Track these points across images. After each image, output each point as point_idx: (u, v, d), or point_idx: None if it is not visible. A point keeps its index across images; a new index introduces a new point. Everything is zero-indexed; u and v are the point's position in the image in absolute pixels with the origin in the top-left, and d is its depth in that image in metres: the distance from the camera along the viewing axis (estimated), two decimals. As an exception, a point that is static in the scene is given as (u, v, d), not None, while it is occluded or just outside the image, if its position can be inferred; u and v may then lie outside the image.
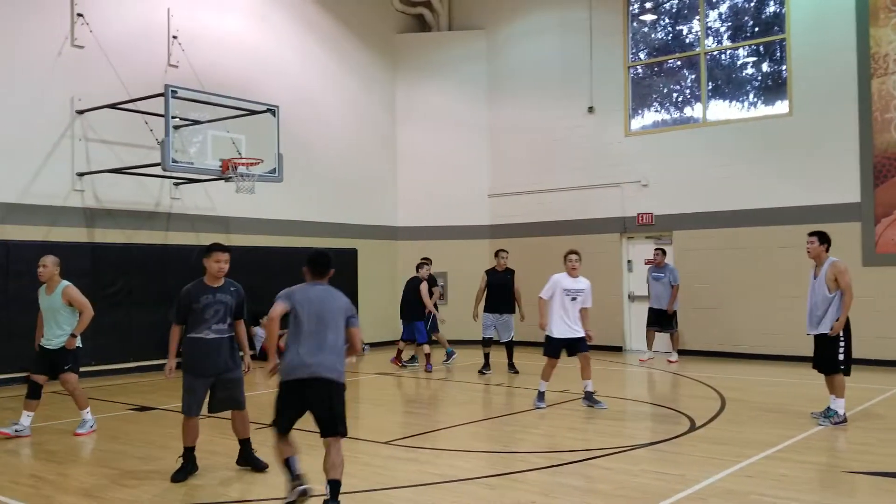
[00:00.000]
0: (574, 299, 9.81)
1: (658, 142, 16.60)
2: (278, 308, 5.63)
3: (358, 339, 5.88)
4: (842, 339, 8.46)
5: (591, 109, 17.37)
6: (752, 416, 9.14)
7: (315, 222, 17.16)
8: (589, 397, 9.75)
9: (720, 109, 16.15)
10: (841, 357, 8.46)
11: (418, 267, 14.26)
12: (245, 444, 6.91)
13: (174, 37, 14.65)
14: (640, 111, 17.26)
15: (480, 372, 13.03)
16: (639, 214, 16.60)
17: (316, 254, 6.05)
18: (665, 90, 17.24)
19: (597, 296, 16.71)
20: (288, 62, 16.94)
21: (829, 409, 8.56)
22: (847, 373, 8.50)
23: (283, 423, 5.59)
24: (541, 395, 9.80)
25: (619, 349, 16.64)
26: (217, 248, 6.89)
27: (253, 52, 16.14)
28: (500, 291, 13.32)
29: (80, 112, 13.30)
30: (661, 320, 14.72)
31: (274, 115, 13.49)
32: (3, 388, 11.56)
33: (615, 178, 16.92)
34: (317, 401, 5.52)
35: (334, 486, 5.43)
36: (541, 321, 9.89)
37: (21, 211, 12.61)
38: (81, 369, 12.87)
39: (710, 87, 16.22)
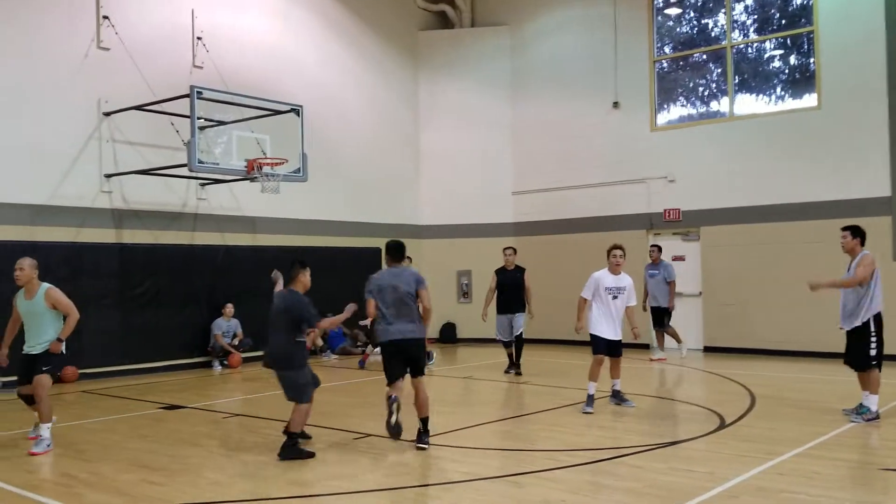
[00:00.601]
0: (615, 297, 9.36)
1: (684, 137, 16.46)
2: (371, 303, 7.58)
3: (426, 298, 7.64)
4: (873, 334, 8.32)
5: (615, 105, 17.27)
6: (783, 412, 9.03)
7: (339, 221, 17.20)
8: (617, 395, 9.62)
9: (747, 103, 15.98)
10: (872, 353, 8.33)
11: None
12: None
13: (198, 38, 14.75)
14: (665, 106, 17.12)
15: (506, 371, 12.96)
16: (665, 210, 16.47)
17: (393, 243, 7.77)
18: (691, 84, 17.09)
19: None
20: (311, 62, 16.99)
21: (861, 405, 8.44)
22: (878, 368, 8.37)
23: (390, 374, 7.61)
24: (589, 400, 9.24)
25: (646, 347, 16.51)
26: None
27: (276, 51, 16.22)
28: (511, 290, 12.86)
29: (107, 114, 13.43)
30: (659, 318, 14.57)
31: (298, 115, 13.54)
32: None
33: (641, 174, 16.81)
34: (406, 354, 7.53)
35: (425, 422, 7.50)
36: (577, 323, 9.51)
37: (50, 212, 12.75)
38: (111, 368, 13.20)
39: (736, 81, 16.05)
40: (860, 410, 8.38)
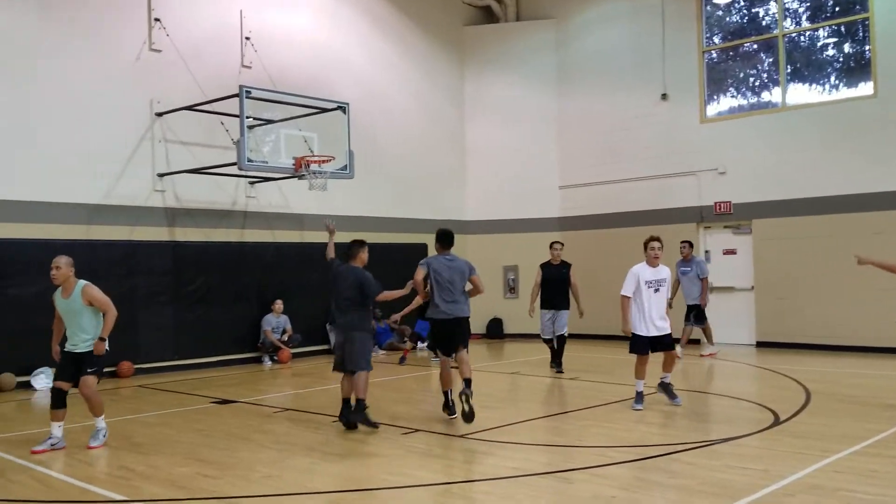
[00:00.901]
0: (657, 290, 9.08)
1: (735, 128, 16.18)
2: (420, 272, 8.49)
3: (479, 283, 8.75)
4: None
5: (664, 97, 17.05)
6: (839, 409, 8.84)
7: (385, 218, 17.29)
8: (665, 388, 9.32)
9: (800, 93, 15.65)
10: None
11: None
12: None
13: (247, 38, 14.95)
14: (715, 97, 16.85)
15: (551, 366, 12.83)
16: (716, 203, 16.22)
17: (444, 230, 8.86)
18: (741, 75, 16.79)
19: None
20: (356, 59, 17.09)
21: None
22: None
23: (443, 347, 8.58)
24: (639, 396, 9.13)
25: (696, 342, 16.28)
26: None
27: (322, 50, 16.35)
28: (556, 286, 12.46)
29: (159, 114, 13.68)
30: (696, 315, 14.01)
31: (344, 112, 13.63)
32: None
33: (690, 167, 16.58)
34: (456, 331, 8.51)
35: (468, 382, 8.22)
36: (624, 325, 9.14)
37: (106, 212, 13.05)
38: (165, 363, 13.46)
39: (788, 71, 15.73)
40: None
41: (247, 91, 12.28)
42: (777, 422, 8.18)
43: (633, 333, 9.15)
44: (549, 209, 18.79)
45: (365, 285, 8.40)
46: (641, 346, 9.10)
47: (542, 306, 12.55)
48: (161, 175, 13.73)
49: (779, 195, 15.37)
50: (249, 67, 14.93)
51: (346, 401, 8.40)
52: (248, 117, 12.46)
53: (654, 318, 9.02)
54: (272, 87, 13.90)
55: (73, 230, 12.61)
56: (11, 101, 12.12)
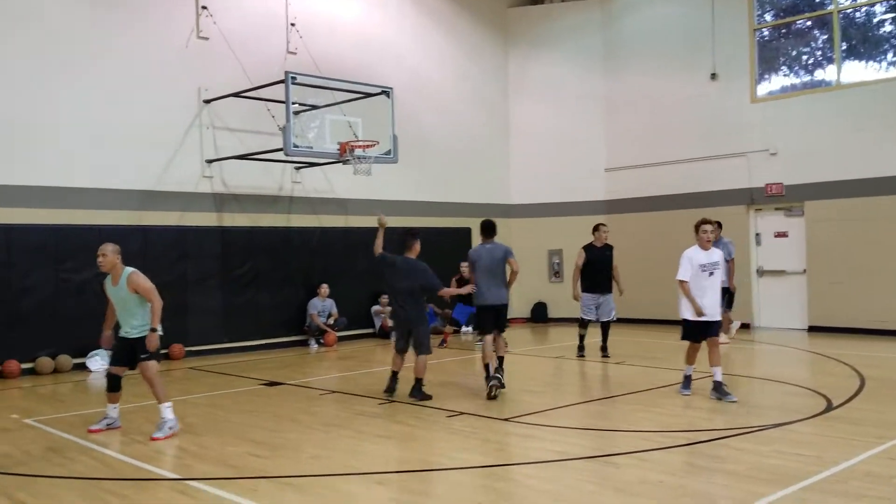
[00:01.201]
0: (711, 274, 8.80)
1: (787, 108, 15.82)
2: (466, 268, 9.89)
3: (514, 263, 9.40)
4: None
5: (713, 76, 16.73)
6: (894, 395, 8.63)
7: (429, 202, 17.30)
8: (718, 388, 8.62)
9: (855, 71, 15.23)
10: None
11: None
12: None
13: (292, 24, 15.02)
14: (766, 76, 16.48)
15: (580, 355, 12.37)
16: (767, 185, 15.90)
17: (487, 222, 9.57)
18: (794, 53, 16.39)
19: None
20: (401, 43, 17.08)
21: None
22: None
23: (486, 329, 9.35)
24: (686, 381, 8.99)
25: (746, 326, 16.05)
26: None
27: (366, 34, 16.36)
28: (601, 268, 12.11)
29: (207, 101, 13.85)
30: (727, 300, 13.42)
31: (388, 97, 13.63)
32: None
33: (741, 148, 16.27)
34: (496, 314, 9.39)
35: (500, 360, 9.37)
36: (695, 306, 8.71)
37: (157, 197, 13.28)
38: (215, 346, 13.69)
39: (843, 48, 15.30)
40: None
41: (292, 77, 12.35)
42: (830, 408, 8.02)
43: (685, 319, 8.90)
44: (595, 192, 18.61)
45: (427, 280, 9.05)
46: (693, 333, 8.87)
47: (585, 289, 12.20)
48: (209, 161, 13.92)
49: (833, 176, 15.00)
50: (295, 53, 15.01)
51: (394, 374, 9.33)
52: (293, 103, 12.53)
53: (706, 304, 8.74)
54: (317, 73, 13.96)
55: (125, 216, 12.87)
56: (65, 91, 12.37)
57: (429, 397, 8.93)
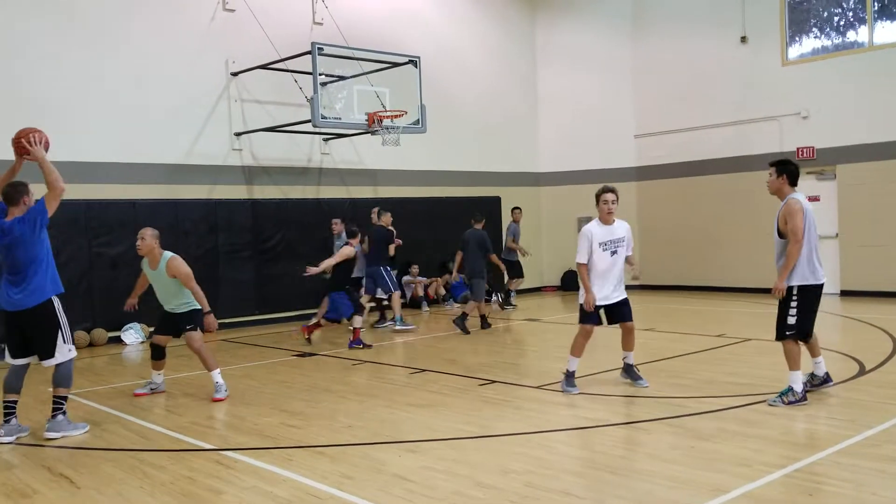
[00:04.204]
0: (614, 253, 7.61)
1: (819, 70, 15.55)
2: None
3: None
4: None
5: (743, 39, 16.46)
6: (930, 359, 8.57)
7: (458, 171, 17.29)
8: (629, 371, 7.93)
9: (889, 32, 14.90)
10: None
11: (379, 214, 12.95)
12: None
13: (318, -6, 14.98)
14: (797, 38, 16.18)
15: None
16: (798, 149, 15.69)
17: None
18: (825, 14, 16.05)
19: (754, 236, 16.12)
20: (427, 12, 16.98)
21: None
22: None
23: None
24: (570, 377, 7.74)
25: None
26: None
27: (391, 3, 16.29)
28: None
29: (235, 74, 13.90)
30: None
31: (416, 66, 13.59)
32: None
33: (772, 112, 16.05)
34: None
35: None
36: (587, 296, 7.56)
37: (187, 171, 13.40)
38: (247, 318, 13.86)
39: (876, 8, 14.97)
40: None
41: (319, 48, 12.34)
42: (862, 371, 7.99)
43: (581, 304, 7.71)
44: (625, 159, 18.47)
45: (485, 243, 12.30)
46: (589, 315, 7.66)
47: None
48: (238, 134, 13.99)
49: (866, 139, 14.77)
50: (321, 24, 14.98)
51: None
52: (320, 74, 12.54)
53: (606, 285, 7.65)
54: (344, 44, 13.92)
55: (156, 190, 13.01)
56: (92, 66, 12.47)
57: (467, 332, 11.68)
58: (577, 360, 7.76)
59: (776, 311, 6.90)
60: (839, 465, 5.12)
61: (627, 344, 7.90)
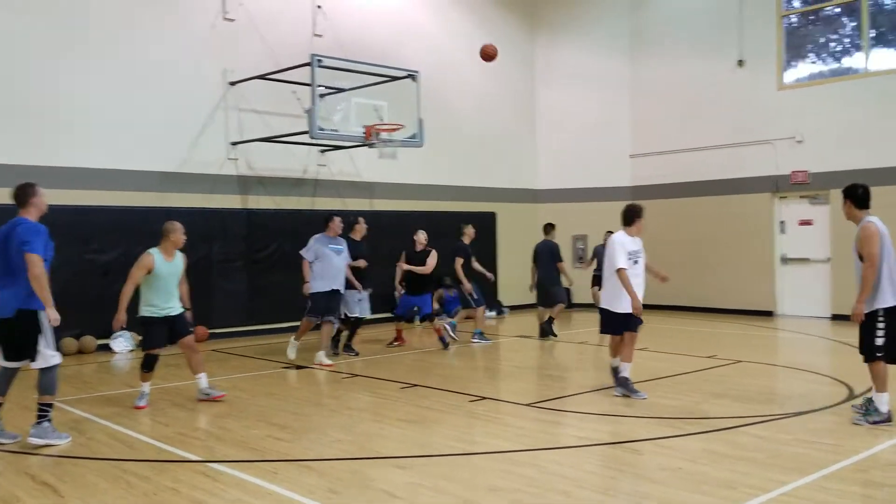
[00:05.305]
0: (636, 262, 8.18)
1: (814, 95, 15.65)
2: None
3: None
4: None
5: (740, 63, 16.56)
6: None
7: (455, 186, 17.32)
8: (624, 382, 8.21)
9: (884, 58, 15.02)
10: None
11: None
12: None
13: (318, 6, 15.04)
14: (794, 63, 16.29)
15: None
16: (793, 172, 15.76)
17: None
18: (822, 40, 16.18)
19: (746, 258, 16.18)
20: (427, 26, 17.05)
21: None
22: None
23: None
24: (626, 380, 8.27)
25: (769, 314, 15.97)
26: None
27: (393, 18, 16.35)
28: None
29: (233, 83, 13.92)
30: None
31: (414, 81, 13.62)
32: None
33: (767, 135, 16.13)
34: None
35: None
36: (635, 302, 8.11)
37: (181, 179, 13.39)
38: (239, 329, 13.82)
39: (872, 35, 15.09)
40: None
41: (318, 60, 12.37)
42: (851, 396, 7.99)
43: (607, 310, 8.29)
44: (620, 178, 18.53)
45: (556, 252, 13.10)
46: (616, 324, 8.24)
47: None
48: (234, 143, 14.00)
49: (859, 164, 14.82)
50: (321, 36, 15.03)
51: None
52: (319, 86, 12.57)
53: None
54: (343, 56, 13.95)
55: (149, 197, 12.98)
56: (90, 71, 12.48)
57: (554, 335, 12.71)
58: (629, 365, 8.23)
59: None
60: (826, 489, 5.11)
61: (626, 353, 8.22)
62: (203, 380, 8.29)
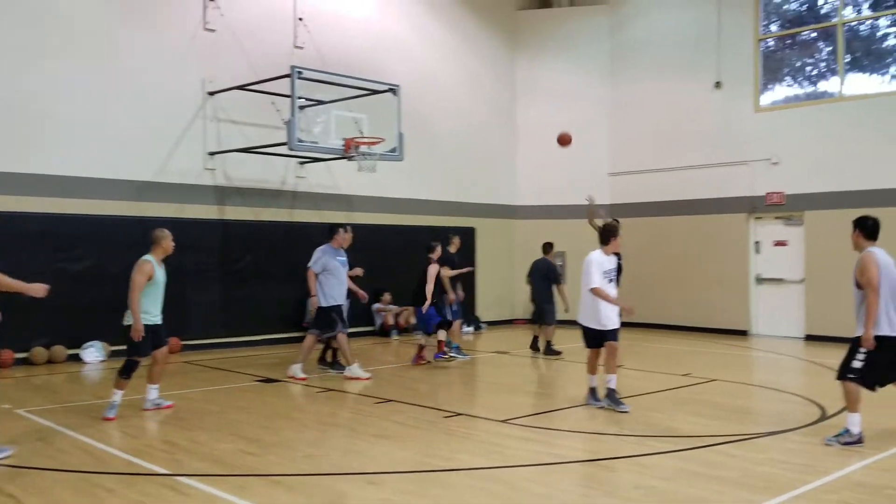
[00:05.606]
0: (611, 281, 8.43)
1: (790, 118, 15.84)
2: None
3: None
4: None
5: (718, 85, 16.74)
6: (890, 405, 8.63)
7: (434, 201, 17.31)
8: (611, 395, 8.42)
9: (859, 83, 15.24)
10: None
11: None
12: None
13: (300, 19, 15.02)
14: (770, 86, 16.49)
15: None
16: (768, 194, 15.92)
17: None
18: (798, 64, 16.39)
19: (721, 277, 16.28)
20: (409, 41, 17.08)
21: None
22: None
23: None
24: (593, 392, 8.66)
25: (744, 333, 16.07)
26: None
27: (375, 31, 16.36)
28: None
29: (212, 93, 13.85)
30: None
31: (395, 94, 13.62)
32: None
33: (743, 156, 16.29)
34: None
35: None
36: (621, 305, 8.45)
37: (157, 189, 13.27)
38: (212, 340, 13.69)
39: (847, 60, 15.31)
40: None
41: (298, 72, 12.33)
42: (824, 417, 8.03)
43: (585, 327, 8.59)
44: (599, 196, 18.53)
45: (552, 272, 13.05)
46: (596, 339, 8.55)
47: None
48: (212, 153, 13.91)
49: (834, 187, 15.01)
50: (302, 48, 15.01)
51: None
52: (299, 98, 12.53)
53: (611, 313, 8.43)
54: (324, 68, 13.95)
55: (124, 206, 12.85)
56: (68, 79, 12.36)
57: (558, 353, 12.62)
58: (595, 377, 8.56)
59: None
60: (798, 510, 5.12)
61: (610, 366, 8.42)
62: (156, 391, 8.30)
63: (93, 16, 12.65)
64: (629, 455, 6.50)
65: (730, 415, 8.27)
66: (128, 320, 7.88)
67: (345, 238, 10.80)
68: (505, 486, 5.67)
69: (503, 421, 7.85)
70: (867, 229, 7.27)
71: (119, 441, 7.00)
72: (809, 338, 15.18)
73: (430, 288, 11.60)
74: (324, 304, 10.40)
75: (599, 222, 9.70)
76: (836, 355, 12.65)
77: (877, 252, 7.08)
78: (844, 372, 7.01)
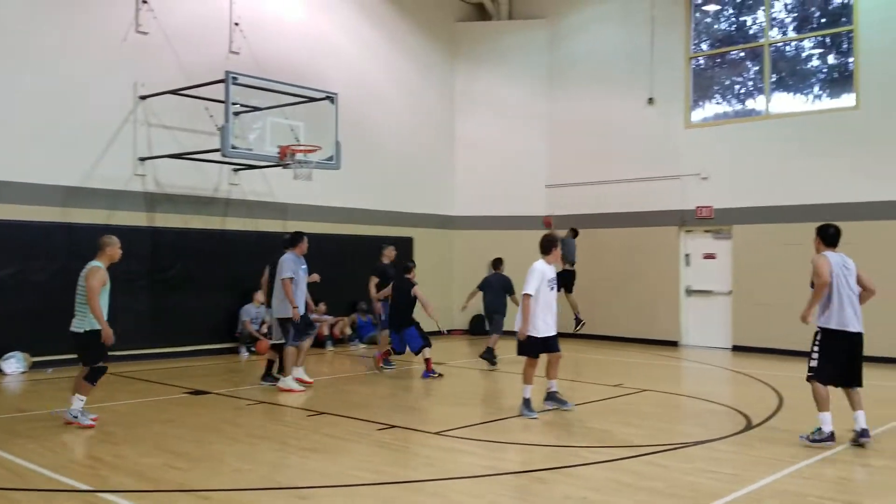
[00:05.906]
0: (552, 289, 8.92)
1: (719, 134, 16.26)
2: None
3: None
4: None
5: (651, 101, 17.09)
6: (812, 415, 8.87)
7: (372, 210, 17.24)
8: (553, 397, 9.11)
9: (784, 102, 15.74)
10: None
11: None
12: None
13: (236, 24, 14.83)
14: (701, 103, 16.91)
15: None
16: (698, 207, 16.29)
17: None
18: (727, 82, 16.85)
19: (653, 289, 16.62)
20: (347, 50, 17.01)
21: None
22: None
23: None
24: (528, 403, 8.79)
25: (675, 344, 16.39)
26: None
27: (313, 39, 16.25)
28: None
29: (143, 97, 13.55)
30: None
31: (332, 103, 13.53)
32: (65, 369, 11.77)
33: (674, 171, 16.64)
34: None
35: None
36: (524, 327, 8.74)
37: (84, 194, 12.90)
38: (141, 351, 13.35)
39: (773, 80, 15.80)
40: None
41: (233, 77, 12.17)
42: (749, 426, 8.22)
43: (531, 336, 8.74)
44: (536, 207, 18.77)
45: (507, 285, 13.08)
46: (536, 348, 8.79)
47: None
48: (142, 159, 13.59)
49: (760, 202, 15.45)
50: (237, 53, 14.81)
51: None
52: (234, 104, 12.35)
53: (549, 321, 8.83)
54: (260, 75, 13.76)
55: (49, 212, 12.46)
56: (-8, 80, 11.96)
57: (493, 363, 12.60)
58: (531, 387, 8.75)
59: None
60: (723, 520, 5.22)
61: (554, 373, 9.05)
62: (82, 402, 8.04)
63: (18, 15, 12.26)
64: (562, 466, 6.54)
65: (660, 424, 8.41)
66: (77, 327, 7.90)
67: (306, 247, 10.87)
68: (438, 498, 5.64)
69: (437, 433, 7.83)
70: (828, 237, 7.80)
71: (40, 457, 6.74)
72: (736, 348, 15.56)
73: (430, 308, 12.15)
74: (302, 313, 10.45)
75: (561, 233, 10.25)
76: (762, 366, 13.07)
77: (830, 255, 7.60)
78: (807, 372, 7.54)
